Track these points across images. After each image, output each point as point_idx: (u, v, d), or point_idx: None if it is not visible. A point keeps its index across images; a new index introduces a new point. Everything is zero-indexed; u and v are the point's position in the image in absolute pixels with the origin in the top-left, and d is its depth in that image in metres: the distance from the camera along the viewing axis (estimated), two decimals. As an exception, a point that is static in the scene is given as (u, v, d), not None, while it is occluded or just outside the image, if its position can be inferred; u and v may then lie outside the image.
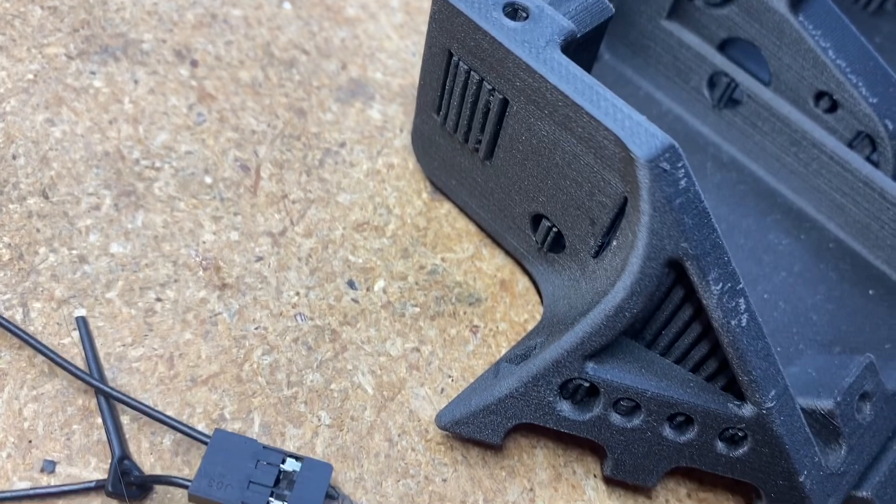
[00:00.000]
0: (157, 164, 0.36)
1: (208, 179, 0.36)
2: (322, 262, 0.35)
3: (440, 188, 0.38)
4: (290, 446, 0.31)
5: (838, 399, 0.32)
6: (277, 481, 0.29)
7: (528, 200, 0.34)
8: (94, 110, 0.37)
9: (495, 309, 0.36)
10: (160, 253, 0.34)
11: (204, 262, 0.34)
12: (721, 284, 0.29)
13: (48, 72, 0.37)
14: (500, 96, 0.31)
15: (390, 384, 0.33)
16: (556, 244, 0.34)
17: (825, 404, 0.32)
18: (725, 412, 0.30)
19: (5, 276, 0.32)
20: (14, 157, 0.35)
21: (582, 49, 0.34)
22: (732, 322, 0.29)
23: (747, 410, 0.30)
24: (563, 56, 0.30)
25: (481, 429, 0.31)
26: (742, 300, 0.29)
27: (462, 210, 0.38)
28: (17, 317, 0.32)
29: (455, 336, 0.35)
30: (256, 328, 0.33)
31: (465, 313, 0.36)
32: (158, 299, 0.33)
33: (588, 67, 0.36)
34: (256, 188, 0.37)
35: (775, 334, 0.36)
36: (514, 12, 0.31)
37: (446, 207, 0.38)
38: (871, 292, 0.38)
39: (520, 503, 0.32)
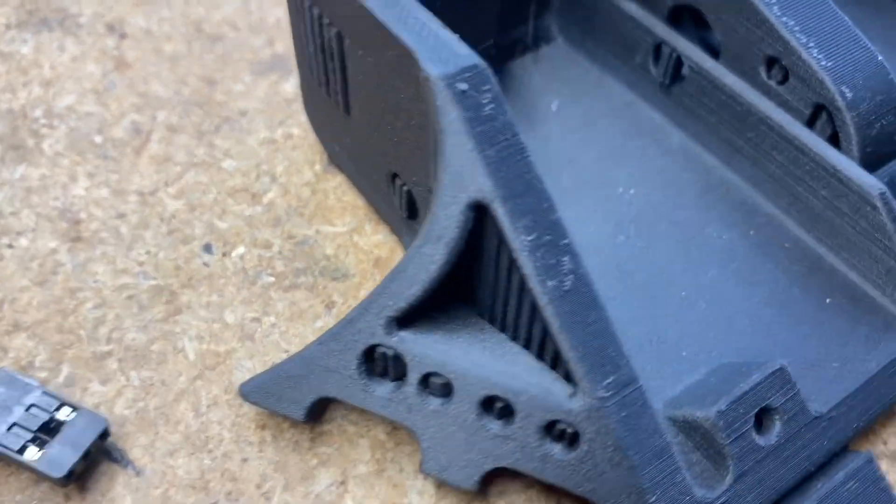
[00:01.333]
0: (55, 124, 0.36)
1: (98, 139, 0.36)
2: (183, 224, 0.33)
3: (333, 159, 0.35)
4: (88, 402, 0.29)
5: (723, 408, 0.25)
6: (47, 429, 0.27)
7: (384, 156, 0.30)
8: (13, 73, 0.38)
9: (361, 286, 0.32)
10: (27, 204, 0.34)
11: (67, 215, 0.33)
12: (535, 235, 0.23)
13: (-18, 38, 0.39)
14: (335, 30, 0.28)
15: (215, 353, 0.30)
16: (412, 208, 0.30)
17: (703, 413, 0.25)
18: (550, 400, 0.24)
19: None
20: (-79, 109, 0.36)
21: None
22: (550, 283, 0.23)
23: (577, 401, 0.24)
24: (385, -22, 0.26)
25: (282, 401, 0.27)
26: (567, 259, 0.24)
27: (351, 182, 0.35)
28: None
29: (306, 309, 0.31)
30: (95, 282, 0.32)
31: (324, 288, 0.32)
32: (10, 246, 0.32)
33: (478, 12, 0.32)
34: (142, 149, 0.35)
35: (683, 338, 0.29)
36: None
37: (338, 180, 0.35)
38: (827, 300, 0.30)
39: (325, 496, 0.27)
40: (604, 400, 0.24)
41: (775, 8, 0.31)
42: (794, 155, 0.31)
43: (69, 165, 0.35)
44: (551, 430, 0.25)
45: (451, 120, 0.23)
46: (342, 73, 0.29)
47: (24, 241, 0.33)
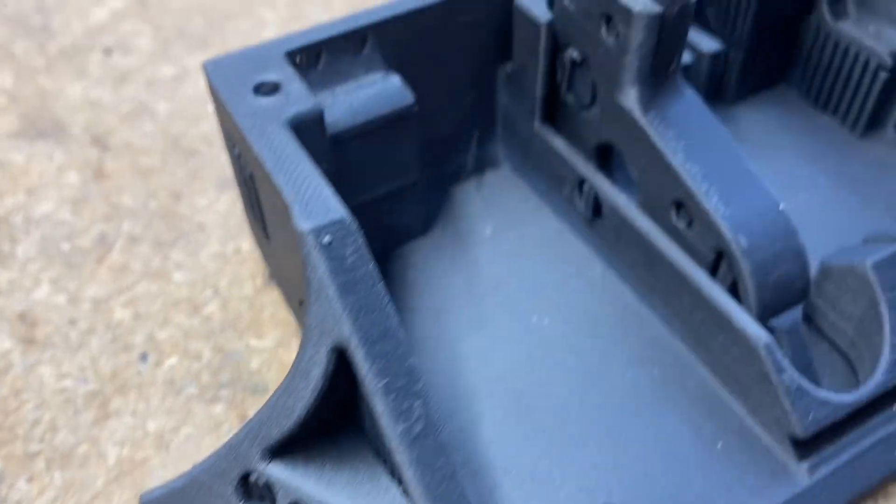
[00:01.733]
0: (31, 230, 0.40)
1: (66, 246, 0.39)
2: (127, 332, 0.36)
3: (271, 274, 0.38)
4: (12, 498, 0.31)
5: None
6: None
7: (293, 283, 0.32)
8: (4, 179, 0.42)
9: (278, 402, 0.34)
10: (-7, 305, 0.37)
11: (26, 318, 0.36)
12: (388, 379, 0.25)
13: (-16, 147, 0.43)
14: (249, 170, 0.31)
15: (132, 460, 0.32)
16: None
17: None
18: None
19: None
20: (-81, 212, 0.40)
21: (375, 137, 0.33)
22: (400, 426, 0.25)
23: (423, 544, 0.25)
24: (286, 131, 0.29)
25: (171, 516, 0.29)
26: (418, 403, 0.25)
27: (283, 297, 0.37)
28: None
29: (222, 423, 0.33)
30: (39, 384, 0.34)
31: (242, 401, 0.34)
32: (-30, 345, 0.36)
33: (397, 154, 0.34)
34: (104, 258, 0.39)
35: (566, 477, 0.30)
36: (264, 89, 0.30)
37: (275, 295, 0.37)
38: (720, 445, 0.30)
39: None
40: (445, 545, 0.25)
41: (680, 154, 0.32)
42: (696, 299, 0.32)
43: (36, 271, 0.38)
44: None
45: (317, 268, 0.25)
46: (259, 205, 0.32)
47: (-17, 341, 0.36)
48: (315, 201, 0.26)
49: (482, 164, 0.41)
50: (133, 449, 0.33)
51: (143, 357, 0.35)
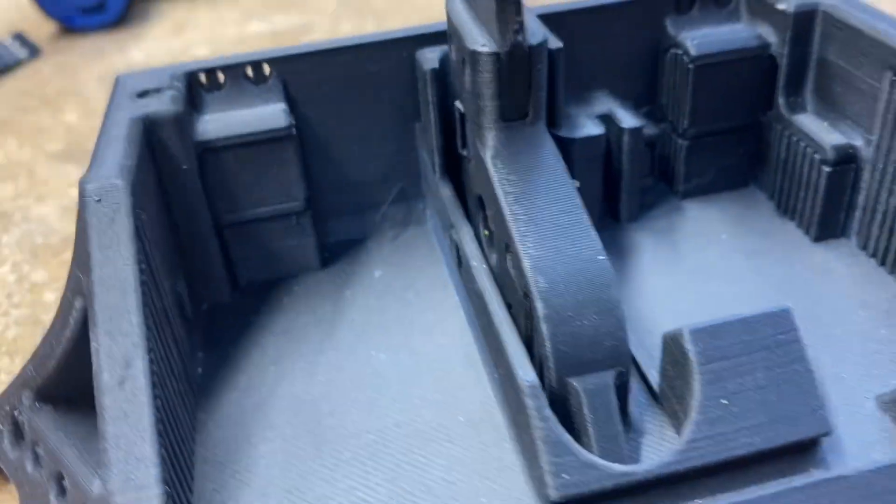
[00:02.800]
0: (21, 225, 0.46)
1: (39, 241, 0.45)
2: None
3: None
4: None
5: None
6: None
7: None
8: (24, 184, 0.49)
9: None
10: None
11: (-22, 289, 0.42)
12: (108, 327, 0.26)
13: None
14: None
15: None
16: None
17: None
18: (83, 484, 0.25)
19: None
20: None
21: (247, 153, 0.35)
22: (104, 375, 0.26)
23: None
24: (132, 123, 0.32)
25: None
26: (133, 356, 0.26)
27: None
28: None
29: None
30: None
31: None
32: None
33: (277, 177, 0.36)
34: (60, 255, 0.44)
35: None
36: (145, 94, 0.34)
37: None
38: (482, 500, 0.27)
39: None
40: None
41: (511, 197, 0.31)
42: (495, 340, 0.30)
43: (7, 254, 0.44)
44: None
45: (85, 223, 0.28)
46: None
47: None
48: (103, 166, 0.29)
49: (407, 218, 0.41)
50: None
51: (40, 332, 0.39)
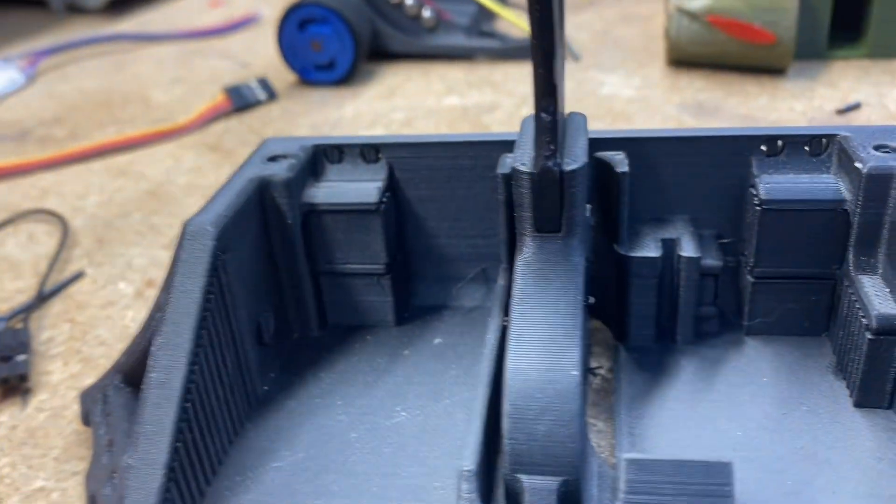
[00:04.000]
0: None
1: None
2: None
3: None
4: None
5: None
6: None
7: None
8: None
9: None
10: None
11: None
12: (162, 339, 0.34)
13: None
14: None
15: None
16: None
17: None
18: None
19: None
20: None
21: (342, 219, 0.42)
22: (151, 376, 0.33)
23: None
24: (251, 183, 0.40)
25: None
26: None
27: None
28: None
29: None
30: None
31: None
32: None
33: (364, 241, 0.43)
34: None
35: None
36: (273, 158, 0.42)
37: None
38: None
39: None
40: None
41: (521, 298, 0.34)
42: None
43: None
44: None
45: (178, 258, 0.36)
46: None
47: None
48: (206, 213, 0.37)
49: (485, 297, 0.46)
50: None
51: None
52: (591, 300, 0.36)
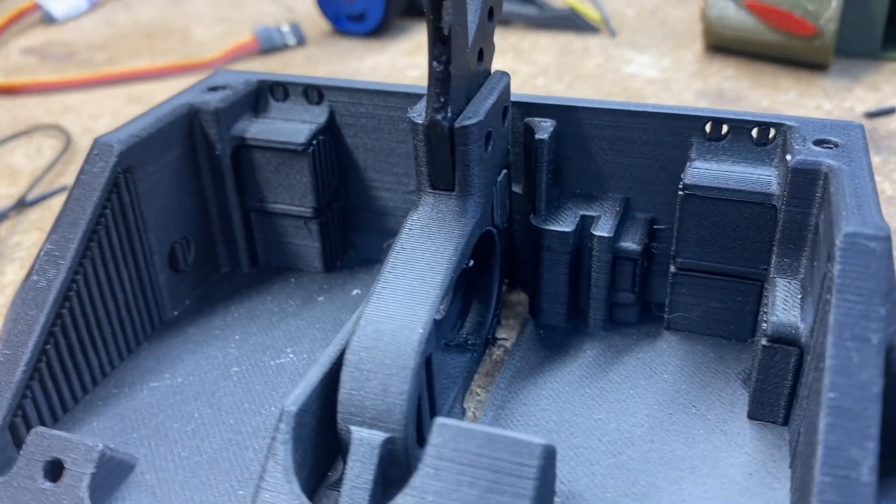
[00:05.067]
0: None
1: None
2: None
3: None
4: None
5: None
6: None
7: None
8: None
9: None
10: None
11: None
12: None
13: None
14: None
15: None
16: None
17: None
18: None
19: None
20: None
21: (270, 157, 0.42)
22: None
23: None
24: (179, 112, 0.40)
25: None
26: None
27: None
28: None
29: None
30: None
31: None
32: None
33: (292, 182, 0.42)
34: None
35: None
36: (213, 90, 0.42)
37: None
38: None
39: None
40: None
41: (398, 251, 0.33)
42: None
43: None
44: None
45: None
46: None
47: None
48: (120, 130, 0.37)
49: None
50: None
51: None
52: (470, 263, 0.34)
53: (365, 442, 0.30)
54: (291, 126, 0.42)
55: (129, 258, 0.38)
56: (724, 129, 0.37)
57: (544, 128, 0.38)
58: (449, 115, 0.33)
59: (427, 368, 0.32)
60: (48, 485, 0.30)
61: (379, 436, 0.30)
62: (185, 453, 0.34)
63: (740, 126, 0.37)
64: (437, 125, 0.33)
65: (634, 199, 0.40)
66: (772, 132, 0.36)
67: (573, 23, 0.78)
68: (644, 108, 0.38)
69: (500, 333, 0.41)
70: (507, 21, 0.81)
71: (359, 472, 0.29)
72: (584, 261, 0.38)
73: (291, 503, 0.28)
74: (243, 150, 0.42)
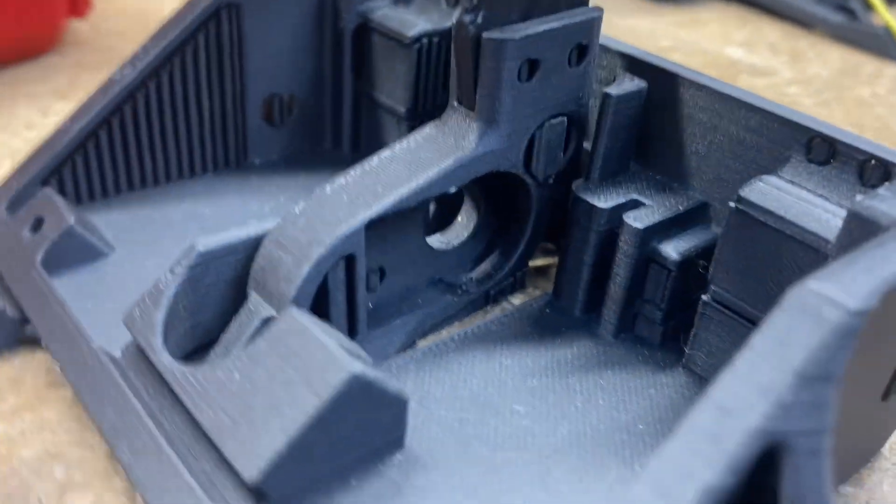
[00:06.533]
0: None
1: None
2: None
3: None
4: None
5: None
6: None
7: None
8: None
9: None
10: None
11: None
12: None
13: None
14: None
15: None
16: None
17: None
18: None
19: None
20: None
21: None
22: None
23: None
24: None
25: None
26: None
27: None
28: None
29: None
30: None
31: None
32: None
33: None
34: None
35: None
36: None
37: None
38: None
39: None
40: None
41: (389, 151, 0.31)
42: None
43: None
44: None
45: None
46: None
47: None
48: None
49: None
50: None
51: None
52: (453, 189, 0.31)
53: (253, 311, 0.29)
54: (414, 20, 0.41)
55: (216, 90, 0.40)
56: (830, 150, 0.29)
57: (624, 85, 0.32)
58: (479, 20, 0.29)
59: (348, 269, 0.30)
60: (27, 235, 0.34)
61: (268, 311, 0.29)
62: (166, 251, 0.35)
63: (848, 153, 0.28)
64: (464, 28, 0.29)
65: (714, 207, 0.33)
66: (887, 171, 0.27)
67: (882, 45, 0.65)
68: (753, 99, 0.31)
69: (519, 299, 0.36)
70: (809, 24, 0.70)
71: (235, 335, 0.29)
72: (610, 249, 0.33)
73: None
74: (365, 30, 0.42)
